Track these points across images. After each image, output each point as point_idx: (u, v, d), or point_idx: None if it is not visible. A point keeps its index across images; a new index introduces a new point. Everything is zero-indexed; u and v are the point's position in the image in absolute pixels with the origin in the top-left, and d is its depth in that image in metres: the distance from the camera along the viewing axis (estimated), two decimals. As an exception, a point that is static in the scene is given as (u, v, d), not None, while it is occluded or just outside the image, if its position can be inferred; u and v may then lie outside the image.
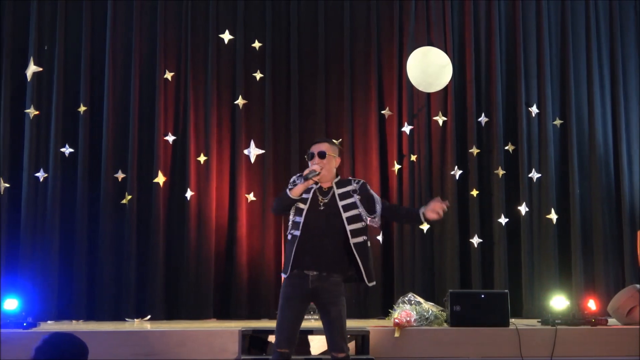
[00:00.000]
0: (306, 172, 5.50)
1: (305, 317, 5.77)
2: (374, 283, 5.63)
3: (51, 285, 8.57)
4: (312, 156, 5.59)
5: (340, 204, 5.54)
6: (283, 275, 5.61)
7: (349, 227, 5.48)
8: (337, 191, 5.57)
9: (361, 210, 5.59)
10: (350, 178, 5.78)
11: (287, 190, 5.53)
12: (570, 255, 9.28)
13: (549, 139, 9.42)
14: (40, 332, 6.81)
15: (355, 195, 5.60)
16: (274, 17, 9.40)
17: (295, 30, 9.37)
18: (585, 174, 9.52)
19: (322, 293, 5.42)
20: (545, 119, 9.44)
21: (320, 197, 5.54)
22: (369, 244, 5.60)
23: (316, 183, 5.55)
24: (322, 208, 5.51)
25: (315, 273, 5.42)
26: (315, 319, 5.86)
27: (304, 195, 5.52)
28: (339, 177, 5.69)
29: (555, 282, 9.02)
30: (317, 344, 6.90)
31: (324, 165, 5.55)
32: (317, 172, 5.47)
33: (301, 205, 5.53)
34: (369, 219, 5.62)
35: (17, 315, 7.29)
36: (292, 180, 5.67)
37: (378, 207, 5.66)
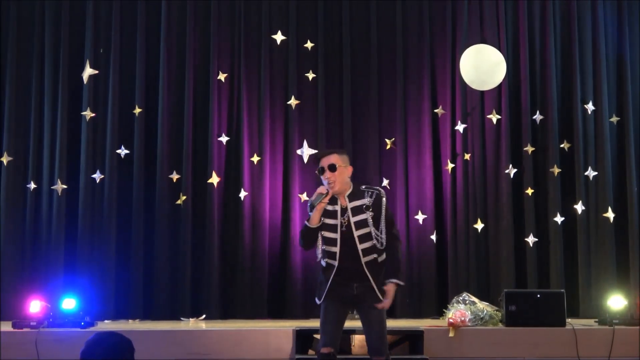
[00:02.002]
0: (312, 198, 5.36)
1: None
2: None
3: (108, 284, 8.69)
4: (322, 170, 5.39)
5: (353, 220, 5.36)
6: (317, 301, 5.52)
7: (360, 247, 5.34)
8: (350, 205, 5.38)
9: (372, 229, 5.37)
10: (364, 188, 5.49)
11: (306, 222, 5.41)
12: (628, 254, 9.14)
13: (605, 136, 9.29)
14: (97, 331, 6.91)
15: (367, 212, 5.36)
16: (326, 17, 9.40)
17: (347, 30, 9.37)
18: (643, 171, 9.40)
19: (365, 298, 5.38)
20: (602, 116, 9.32)
21: (342, 220, 5.37)
22: (380, 259, 5.42)
23: (335, 201, 5.42)
24: (344, 229, 5.36)
25: (358, 284, 5.37)
26: (357, 319, 5.82)
27: (331, 222, 5.37)
28: (352, 188, 5.46)
29: (613, 281, 8.90)
30: (359, 344, 6.90)
31: (336, 178, 5.35)
32: (324, 194, 5.31)
33: (330, 235, 5.39)
34: (375, 239, 5.39)
35: (75, 315, 7.41)
36: (309, 203, 5.48)
37: (382, 228, 5.38)
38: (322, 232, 5.42)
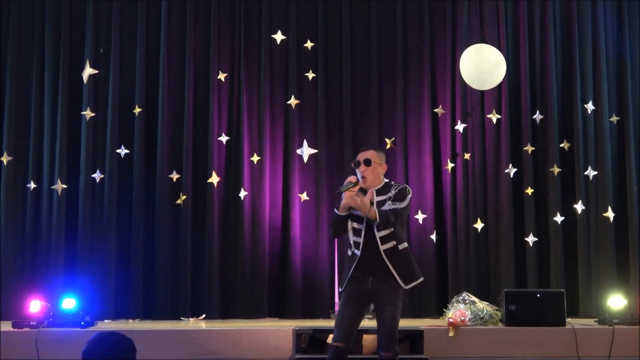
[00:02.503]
0: (342, 185, 5.46)
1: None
2: (413, 285, 5.52)
3: (108, 284, 8.69)
4: (358, 164, 5.54)
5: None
6: (340, 290, 5.65)
7: (378, 235, 5.43)
8: (376, 199, 5.49)
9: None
10: (392, 183, 5.63)
11: (335, 210, 5.50)
12: (628, 254, 9.14)
13: (605, 136, 9.30)
14: (98, 330, 6.91)
15: (389, 202, 5.49)
16: (326, 16, 9.41)
17: (347, 30, 9.37)
18: (643, 171, 9.40)
19: (381, 294, 5.45)
20: (602, 116, 9.32)
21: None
22: (401, 247, 5.49)
23: (364, 194, 5.47)
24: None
25: (374, 278, 5.44)
26: (370, 319, 5.89)
27: (358, 213, 5.46)
28: (383, 184, 5.59)
29: (613, 281, 8.90)
30: (369, 344, 6.91)
31: (369, 173, 5.50)
32: (353, 183, 5.40)
33: (357, 225, 5.50)
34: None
35: (75, 315, 7.40)
36: (338, 190, 5.57)
37: (392, 207, 5.47)
38: (351, 223, 5.52)
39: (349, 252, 5.58)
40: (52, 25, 9.10)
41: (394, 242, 5.46)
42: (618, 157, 9.43)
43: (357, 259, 5.46)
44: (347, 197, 5.38)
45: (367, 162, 5.51)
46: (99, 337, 3.37)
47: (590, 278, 9.06)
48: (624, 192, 9.33)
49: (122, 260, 8.81)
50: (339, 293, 5.68)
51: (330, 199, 8.76)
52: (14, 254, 8.78)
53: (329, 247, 8.98)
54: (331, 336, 6.20)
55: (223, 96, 9.17)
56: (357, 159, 5.56)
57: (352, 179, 5.44)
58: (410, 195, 5.58)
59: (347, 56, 9.33)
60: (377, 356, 5.59)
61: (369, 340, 6.92)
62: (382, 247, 5.43)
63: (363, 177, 5.48)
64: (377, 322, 5.54)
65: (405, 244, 5.56)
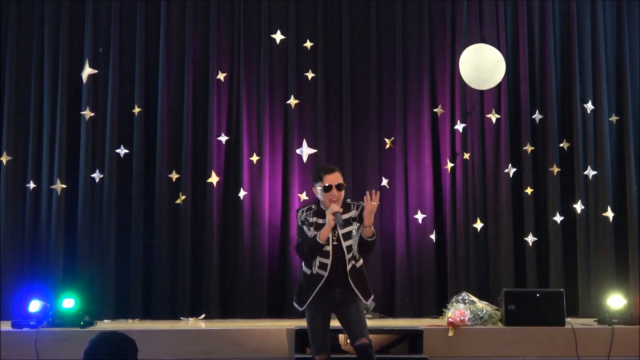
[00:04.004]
0: (334, 220, 5.52)
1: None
2: (371, 299, 5.82)
3: (107, 284, 8.70)
4: (329, 188, 5.62)
5: (341, 232, 5.63)
6: (298, 308, 5.84)
7: (347, 256, 5.62)
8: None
9: (354, 241, 5.66)
10: (349, 202, 5.75)
11: (316, 238, 5.57)
12: (627, 253, 9.13)
13: (605, 135, 9.29)
14: (97, 330, 6.91)
15: (354, 223, 5.65)
16: (326, 16, 9.40)
17: (347, 29, 9.36)
18: (643, 171, 9.39)
19: (345, 300, 5.64)
20: (601, 116, 9.31)
21: (331, 233, 5.61)
22: (358, 264, 5.70)
23: (324, 215, 5.63)
24: (335, 243, 5.62)
25: (340, 289, 5.63)
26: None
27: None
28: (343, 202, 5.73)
29: (612, 280, 8.90)
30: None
31: (340, 195, 5.64)
32: (341, 213, 5.55)
33: (325, 248, 5.61)
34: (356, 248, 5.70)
35: (75, 314, 7.41)
36: (301, 219, 5.72)
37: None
38: None
39: (311, 271, 5.68)
40: (52, 25, 9.09)
41: (353, 262, 5.66)
42: (617, 157, 9.42)
43: (323, 279, 5.60)
44: (367, 217, 5.51)
45: (340, 187, 5.65)
46: (101, 336, 3.39)
47: (589, 278, 9.06)
48: (623, 191, 9.32)
49: (121, 260, 8.81)
50: (302, 310, 5.82)
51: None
52: (14, 254, 8.78)
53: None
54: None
55: (222, 96, 9.17)
56: (327, 184, 5.63)
57: (337, 208, 5.54)
58: None
59: (347, 56, 9.33)
60: (355, 355, 5.68)
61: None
62: (348, 267, 5.62)
63: (334, 201, 5.59)
64: (344, 318, 5.71)
65: (361, 260, 5.76)
